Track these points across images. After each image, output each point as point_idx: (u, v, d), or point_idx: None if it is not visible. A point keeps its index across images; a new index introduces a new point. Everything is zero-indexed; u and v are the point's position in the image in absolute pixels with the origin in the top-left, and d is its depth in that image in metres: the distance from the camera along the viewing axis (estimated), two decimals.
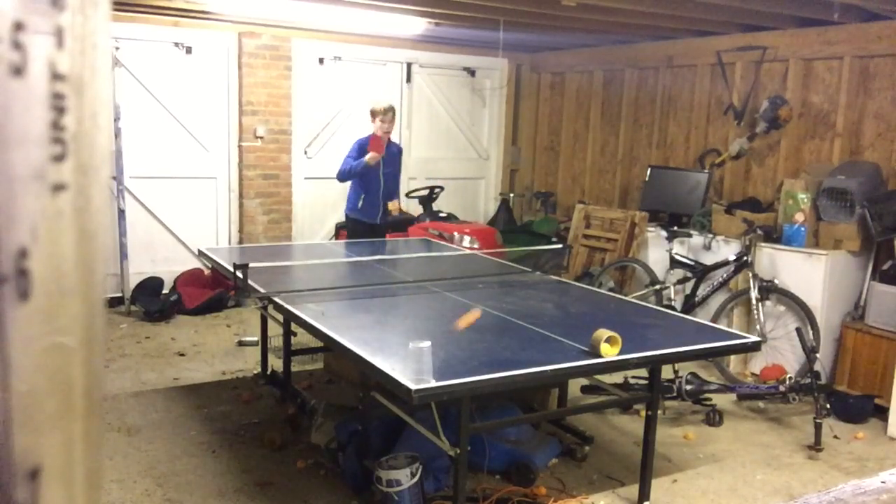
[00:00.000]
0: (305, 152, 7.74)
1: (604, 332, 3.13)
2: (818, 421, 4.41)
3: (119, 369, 5.35)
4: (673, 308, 5.55)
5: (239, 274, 4.01)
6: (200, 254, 5.34)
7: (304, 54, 7.57)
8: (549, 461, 4.07)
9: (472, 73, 8.62)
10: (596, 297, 4.53)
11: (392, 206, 6.21)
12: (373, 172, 6.01)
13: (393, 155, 6.14)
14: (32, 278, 0.50)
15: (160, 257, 7.18)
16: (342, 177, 6.07)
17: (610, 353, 3.12)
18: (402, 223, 7.35)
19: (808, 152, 6.10)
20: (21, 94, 0.49)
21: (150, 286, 6.94)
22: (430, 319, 3.85)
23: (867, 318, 5.19)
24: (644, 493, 3.68)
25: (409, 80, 8.25)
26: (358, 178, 6.03)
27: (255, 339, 5.78)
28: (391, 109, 6.00)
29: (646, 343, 3.39)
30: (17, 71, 0.48)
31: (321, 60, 7.71)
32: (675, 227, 6.32)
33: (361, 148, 6.00)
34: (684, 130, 7.16)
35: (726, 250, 5.91)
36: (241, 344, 6.03)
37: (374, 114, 5.97)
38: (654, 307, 4.82)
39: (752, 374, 5.65)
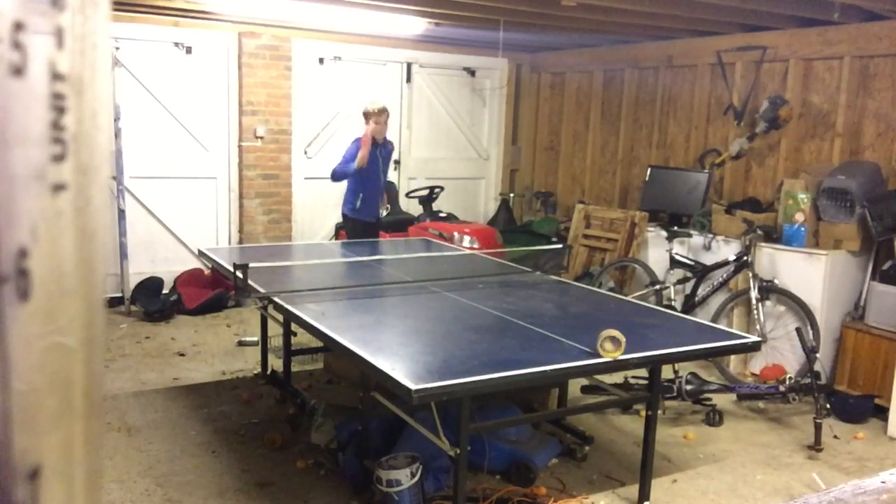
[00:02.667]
0: (305, 152, 7.74)
1: (608, 333, 3.13)
2: (818, 421, 4.41)
3: (119, 369, 5.35)
4: (673, 308, 5.55)
5: (239, 274, 4.01)
6: (200, 254, 5.34)
7: (304, 54, 7.57)
8: (549, 461, 4.07)
9: (472, 73, 8.62)
10: (596, 297, 4.53)
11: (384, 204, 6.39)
12: (372, 172, 6.04)
13: (389, 153, 6.22)
14: (32, 278, 0.50)
15: (160, 257, 7.18)
16: (336, 177, 6.09)
17: (612, 355, 3.12)
18: (403, 223, 7.36)
19: (808, 152, 6.10)
20: (21, 94, 0.49)
21: (150, 286, 6.94)
22: (430, 319, 3.85)
23: (867, 318, 5.19)
24: (644, 493, 3.68)
25: (409, 80, 8.25)
26: (355, 177, 6.08)
27: (255, 339, 5.78)
28: (385, 111, 6.04)
29: (646, 343, 3.39)
30: (17, 71, 0.48)
31: (321, 60, 7.71)
32: (675, 227, 6.32)
33: (358, 147, 6.04)
34: (684, 130, 7.16)
35: (726, 250, 5.91)
36: (241, 344, 6.03)
37: (367, 115, 6.00)
38: (654, 307, 4.82)
39: (752, 374, 5.65)
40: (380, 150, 6.10)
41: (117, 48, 6.66)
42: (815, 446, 4.38)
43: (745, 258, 5.59)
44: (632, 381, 4.80)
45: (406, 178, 8.37)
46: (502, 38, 6.69)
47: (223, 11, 6.56)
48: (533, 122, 8.95)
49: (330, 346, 3.65)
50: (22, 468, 0.51)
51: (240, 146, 7.37)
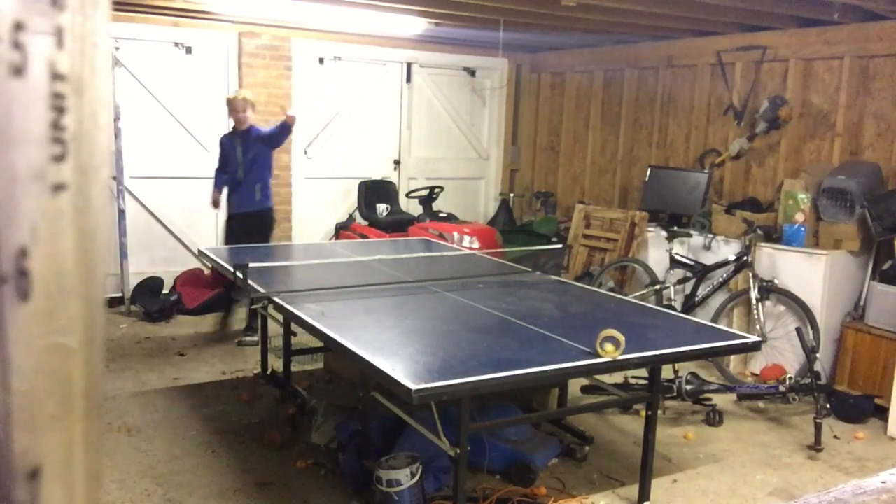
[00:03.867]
0: (305, 152, 7.74)
1: (607, 333, 3.13)
2: (818, 421, 4.41)
3: (119, 369, 5.35)
4: (673, 308, 5.55)
5: (239, 274, 4.01)
6: (200, 254, 5.34)
7: (304, 54, 7.57)
8: (549, 461, 4.07)
9: (472, 73, 8.63)
10: (596, 297, 4.53)
11: (289, 118, 5.69)
12: (231, 163, 5.89)
13: (251, 140, 5.81)
14: (32, 278, 0.50)
15: (160, 257, 7.18)
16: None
17: (612, 355, 3.12)
18: (403, 223, 7.36)
19: (808, 152, 6.10)
20: (21, 94, 0.49)
21: (150, 286, 6.94)
22: (430, 319, 3.85)
23: (867, 318, 5.19)
24: (644, 493, 3.68)
25: (409, 80, 8.25)
26: (222, 168, 5.98)
27: (255, 339, 5.78)
28: (236, 100, 5.78)
29: (646, 343, 3.39)
30: (17, 71, 0.48)
31: (321, 60, 7.71)
32: (675, 227, 6.32)
33: (221, 148, 5.99)
34: (684, 130, 7.16)
35: (726, 250, 5.90)
36: (241, 344, 6.03)
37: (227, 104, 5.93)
38: (654, 307, 4.82)
39: (752, 374, 5.65)
40: (238, 138, 5.85)
41: (117, 48, 6.66)
42: (815, 446, 4.38)
43: (745, 258, 5.59)
44: (632, 381, 4.80)
45: (406, 178, 8.37)
46: (502, 38, 6.70)
47: (223, 11, 6.56)
48: (533, 122, 8.95)
49: (330, 346, 3.65)
50: (22, 468, 0.51)
51: None
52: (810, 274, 5.36)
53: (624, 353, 3.14)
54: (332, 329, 3.39)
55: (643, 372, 4.21)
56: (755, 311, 5.42)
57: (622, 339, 3.11)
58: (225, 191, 6.05)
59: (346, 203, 7.98)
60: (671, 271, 6.11)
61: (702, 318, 5.02)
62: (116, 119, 6.52)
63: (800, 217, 5.50)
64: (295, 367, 5.05)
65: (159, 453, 4.07)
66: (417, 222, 7.24)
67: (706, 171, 6.64)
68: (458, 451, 3.05)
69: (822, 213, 5.44)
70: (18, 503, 0.51)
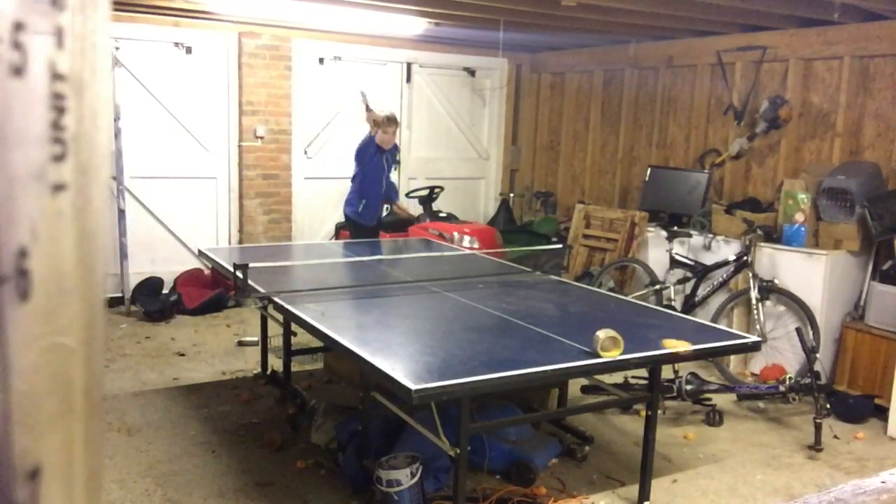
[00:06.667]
0: (305, 152, 7.74)
1: (606, 333, 3.13)
2: (818, 421, 4.41)
3: (119, 369, 5.35)
4: (673, 308, 5.55)
5: (239, 274, 4.01)
6: (200, 254, 5.34)
7: (304, 54, 7.57)
8: (549, 461, 4.07)
9: (472, 73, 8.62)
10: (596, 297, 4.53)
11: (399, 208, 6.48)
12: (377, 178, 6.13)
13: (393, 156, 6.31)
14: (32, 278, 0.50)
15: (160, 257, 7.18)
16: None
17: (611, 354, 3.12)
18: (403, 223, 7.36)
19: (808, 152, 6.10)
20: (21, 94, 0.49)
21: (150, 286, 6.94)
22: (430, 319, 3.85)
23: (867, 318, 5.19)
24: (644, 493, 3.68)
25: (409, 80, 8.25)
26: (361, 182, 6.17)
27: (255, 339, 5.78)
28: (394, 121, 6.06)
29: (646, 343, 3.39)
30: (17, 71, 0.48)
31: (321, 60, 7.71)
32: (675, 227, 6.32)
33: (361, 156, 6.12)
34: (684, 130, 7.16)
35: (726, 250, 5.90)
36: (241, 344, 6.03)
37: (376, 123, 6.04)
38: (654, 307, 4.82)
39: (752, 374, 5.65)
40: (386, 156, 6.16)
41: (117, 48, 6.66)
42: (815, 446, 4.39)
43: (745, 258, 5.59)
44: (632, 381, 4.80)
45: (406, 178, 8.37)
46: (502, 38, 6.70)
47: (223, 11, 6.56)
48: (533, 122, 8.95)
49: (330, 346, 3.65)
50: (22, 468, 0.51)
51: (240, 146, 7.37)
52: (810, 274, 5.36)
53: (624, 353, 3.14)
54: (332, 329, 3.39)
55: (643, 372, 4.21)
56: (755, 311, 5.42)
57: (620, 337, 3.11)
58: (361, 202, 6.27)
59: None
60: (671, 271, 6.11)
61: (702, 318, 5.02)
62: (116, 119, 6.52)
63: (800, 217, 5.50)
64: (295, 367, 5.05)
65: (159, 453, 4.07)
66: (417, 222, 7.24)
67: (706, 171, 6.64)
68: (458, 451, 3.05)
69: (822, 213, 5.44)
70: (18, 503, 0.51)
